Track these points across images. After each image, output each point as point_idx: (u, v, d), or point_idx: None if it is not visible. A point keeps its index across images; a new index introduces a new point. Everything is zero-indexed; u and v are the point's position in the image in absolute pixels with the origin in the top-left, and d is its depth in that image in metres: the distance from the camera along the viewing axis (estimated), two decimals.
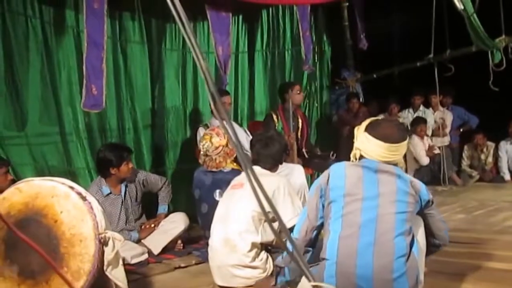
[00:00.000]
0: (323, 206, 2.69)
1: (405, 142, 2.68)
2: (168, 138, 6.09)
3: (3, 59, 4.73)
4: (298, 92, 5.93)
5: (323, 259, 2.55)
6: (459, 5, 5.40)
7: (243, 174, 3.73)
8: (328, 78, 7.93)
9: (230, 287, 3.41)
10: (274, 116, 5.93)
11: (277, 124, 5.90)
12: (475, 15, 5.80)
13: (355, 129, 2.79)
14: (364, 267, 2.43)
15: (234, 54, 6.56)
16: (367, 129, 2.69)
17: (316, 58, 7.58)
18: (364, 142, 2.68)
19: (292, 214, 3.37)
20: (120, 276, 2.68)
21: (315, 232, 2.77)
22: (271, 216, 3.35)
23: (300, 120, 6.12)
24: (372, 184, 2.58)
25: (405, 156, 7.72)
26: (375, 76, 8.38)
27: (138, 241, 4.43)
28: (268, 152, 3.68)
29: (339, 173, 2.65)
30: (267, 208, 2.99)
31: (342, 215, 2.53)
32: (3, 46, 4.73)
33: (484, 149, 8.20)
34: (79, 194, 2.57)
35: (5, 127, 4.71)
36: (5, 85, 4.73)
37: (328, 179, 2.67)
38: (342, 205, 2.55)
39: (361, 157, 2.72)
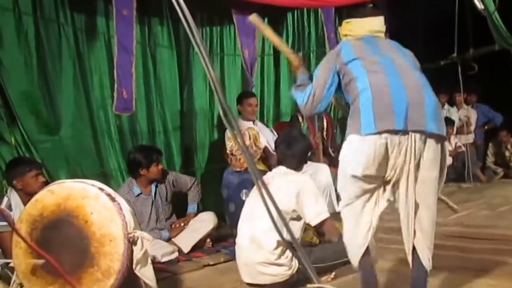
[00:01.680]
0: (336, 74, 2.86)
1: (381, 17, 3.06)
2: (197, 139, 6.15)
3: (36, 65, 4.81)
4: None
5: (357, 94, 2.68)
6: (479, 5, 5.40)
7: (268, 173, 3.81)
8: None
9: (257, 284, 3.48)
10: (300, 117, 6.01)
11: (302, 125, 5.98)
12: (496, 14, 5.78)
13: (339, 29, 3.22)
14: (396, 87, 2.60)
15: (260, 57, 6.63)
16: (347, 18, 3.08)
17: None
18: (348, 27, 3.04)
19: (316, 213, 3.44)
20: (149, 275, 2.73)
21: (324, 104, 2.97)
22: (295, 215, 3.45)
23: (325, 120, 6.19)
24: (376, 49, 2.84)
25: None
26: None
27: (168, 240, 4.54)
28: (292, 152, 3.71)
29: (347, 46, 2.89)
30: (286, 207, 3.08)
31: (365, 67, 2.73)
32: (37, 53, 4.82)
33: (509, 146, 8.15)
34: (109, 195, 2.63)
35: (39, 131, 4.79)
36: (39, 90, 4.82)
37: (340, 51, 2.86)
38: (361, 62, 2.75)
39: None
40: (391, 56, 2.78)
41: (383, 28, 3.06)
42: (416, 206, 2.63)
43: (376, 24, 3.03)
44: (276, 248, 3.37)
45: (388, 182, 2.67)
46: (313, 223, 3.44)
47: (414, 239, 2.66)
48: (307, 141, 3.96)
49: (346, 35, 3.05)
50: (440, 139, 2.64)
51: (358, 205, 2.72)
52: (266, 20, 6.69)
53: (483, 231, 4.36)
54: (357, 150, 2.62)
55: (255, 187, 3.69)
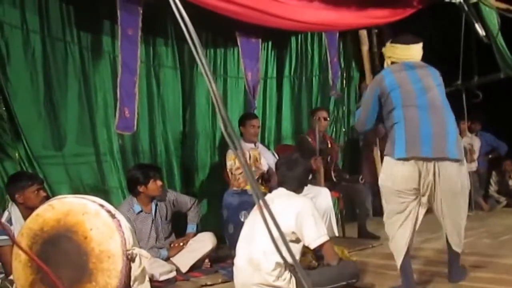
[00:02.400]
0: (379, 99, 3.62)
1: (421, 44, 3.74)
2: (198, 160, 6.17)
3: (42, 82, 4.88)
4: (319, 119, 6.07)
5: (393, 125, 3.51)
6: (481, 32, 5.44)
7: (268, 195, 3.82)
8: (356, 103, 7.95)
9: None
10: (309, 138, 6.04)
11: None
12: (501, 39, 5.83)
13: (383, 50, 3.86)
14: (425, 122, 3.42)
15: (263, 80, 6.67)
16: (392, 42, 3.77)
17: (344, 84, 7.65)
18: (392, 50, 3.72)
19: (315, 235, 3.42)
20: None
21: (370, 123, 3.79)
22: (294, 238, 3.46)
23: (329, 144, 6.22)
24: (414, 75, 3.58)
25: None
26: None
27: (167, 259, 4.53)
28: (293, 174, 3.72)
29: (389, 75, 3.59)
30: (286, 229, 3.12)
31: (402, 99, 3.49)
32: (43, 70, 4.89)
33: None
34: (109, 211, 2.65)
35: (43, 147, 4.84)
36: (44, 107, 4.89)
37: (383, 80, 3.58)
38: (400, 94, 3.50)
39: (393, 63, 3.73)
40: (425, 84, 3.55)
41: (421, 54, 3.74)
42: (446, 209, 3.48)
43: (417, 50, 3.72)
44: (274, 269, 3.35)
45: (423, 195, 3.46)
46: (312, 246, 3.44)
47: (447, 231, 3.57)
48: (308, 164, 3.99)
49: (390, 57, 3.73)
50: (458, 161, 3.44)
51: (400, 215, 3.50)
52: (270, 43, 6.78)
53: (484, 259, 4.34)
54: (393, 169, 3.47)
55: (254, 208, 3.71)
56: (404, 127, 3.41)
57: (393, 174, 3.46)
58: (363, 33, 4.89)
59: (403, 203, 3.47)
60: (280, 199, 3.56)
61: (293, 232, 3.42)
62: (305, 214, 3.46)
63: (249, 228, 3.61)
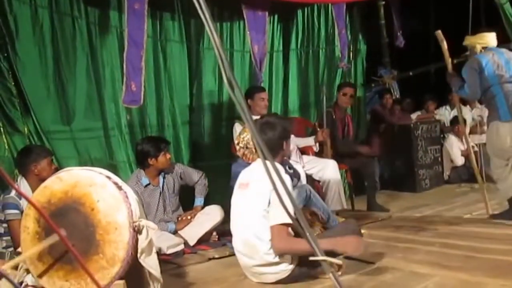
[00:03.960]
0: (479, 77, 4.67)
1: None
2: (205, 133, 6.20)
3: (51, 57, 4.92)
4: (344, 94, 6.12)
5: (493, 97, 4.68)
6: None
7: (248, 171, 3.64)
8: (363, 76, 7.92)
9: (264, 282, 3.43)
10: (333, 113, 6.06)
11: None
12: (509, 8, 5.80)
13: (467, 38, 4.94)
14: None
15: (269, 53, 6.64)
16: (480, 32, 4.85)
17: (351, 57, 7.59)
18: (484, 38, 4.79)
19: (273, 216, 3.25)
20: (153, 264, 2.73)
21: (478, 93, 4.79)
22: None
23: (346, 120, 6.27)
24: (503, 57, 4.71)
25: (441, 155, 7.76)
26: (411, 73, 8.37)
27: (175, 232, 4.58)
28: (265, 139, 3.35)
29: (484, 59, 4.67)
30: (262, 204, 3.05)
31: (499, 76, 4.64)
32: (51, 45, 4.92)
33: None
34: (115, 183, 2.64)
35: (52, 122, 4.89)
36: (53, 82, 4.92)
37: (481, 63, 4.65)
38: (497, 72, 4.63)
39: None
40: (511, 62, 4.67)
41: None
42: None
43: (495, 38, 4.84)
44: (270, 248, 3.29)
45: None
46: (271, 223, 3.28)
47: None
48: (282, 127, 3.59)
49: (480, 44, 4.78)
50: None
51: (506, 167, 4.67)
52: (276, 17, 6.74)
53: (496, 231, 4.35)
54: (499, 130, 4.59)
55: (236, 185, 3.61)
56: (504, 98, 4.56)
57: (500, 133, 4.59)
58: (439, 33, 5.14)
59: (509, 158, 4.64)
60: (258, 173, 3.44)
61: (265, 209, 3.35)
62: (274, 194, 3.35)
63: (237, 211, 3.55)
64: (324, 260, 1.68)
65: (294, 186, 4.04)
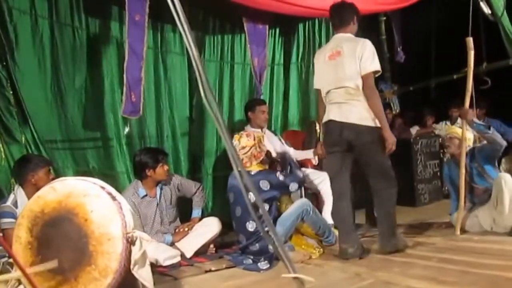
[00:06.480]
0: None
1: None
2: (204, 146, 6.18)
3: (50, 67, 4.92)
4: None
5: None
6: (486, 10, 5.40)
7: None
8: None
9: None
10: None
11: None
12: (507, 21, 5.80)
13: None
14: None
15: (270, 66, 6.67)
16: None
17: None
18: None
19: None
20: (146, 276, 2.71)
21: None
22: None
23: None
24: None
25: (440, 170, 7.73)
26: (411, 88, 8.36)
27: (171, 244, 4.55)
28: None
29: None
30: None
31: None
32: (51, 55, 4.93)
33: None
34: (109, 194, 2.63)
35: (50, 132, 4.88)
36: (51, 92, 4.93)
37: None
38: None
39: None
40: None
41: None
42: None
43: None
44: None
45: None
46: None
47: None
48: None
49: None
50: None
51: None
52: (277, 30, 6.75)
53: (494, 246, 4.32)
54: None
55: None
56: None
57: None
58: (470, 40, 4.76)
59: None
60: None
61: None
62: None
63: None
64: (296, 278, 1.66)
65: (293, 191, 4.34)
